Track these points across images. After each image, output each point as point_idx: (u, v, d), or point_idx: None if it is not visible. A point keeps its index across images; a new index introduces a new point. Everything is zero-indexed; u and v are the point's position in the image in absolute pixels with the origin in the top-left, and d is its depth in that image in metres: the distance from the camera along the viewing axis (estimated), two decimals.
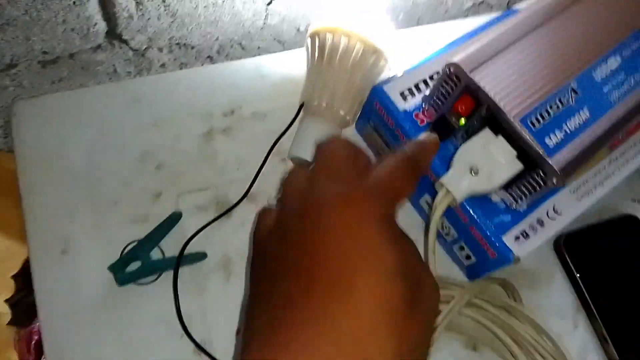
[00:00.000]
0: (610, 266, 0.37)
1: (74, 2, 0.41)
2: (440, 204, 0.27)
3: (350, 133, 0.38)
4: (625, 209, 0.40)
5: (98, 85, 0.38)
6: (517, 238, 0.31)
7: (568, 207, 0.32)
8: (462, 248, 0.33)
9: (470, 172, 0.27)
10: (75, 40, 0.46)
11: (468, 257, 0.33)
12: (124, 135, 0.36)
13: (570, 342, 0.35)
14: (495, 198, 0.31)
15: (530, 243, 0.31)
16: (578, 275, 0.37)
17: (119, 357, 0.30)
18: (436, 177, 0.29)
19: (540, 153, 0.27)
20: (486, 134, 0.28)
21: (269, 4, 0.48)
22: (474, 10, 0.56)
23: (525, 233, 0.31)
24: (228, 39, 0.51)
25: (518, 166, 0.28)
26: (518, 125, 0.27)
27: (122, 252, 0.32)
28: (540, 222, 0.32)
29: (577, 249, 0.37)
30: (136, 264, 0.31)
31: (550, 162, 0.27)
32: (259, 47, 0.51)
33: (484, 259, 0.32)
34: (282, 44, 0.52)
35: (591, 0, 0.32)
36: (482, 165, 0.28)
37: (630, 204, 0.40)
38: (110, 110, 0.37)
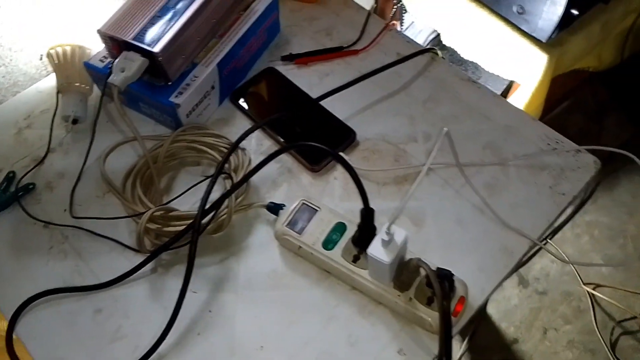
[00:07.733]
0: (263, 97, 0.66)
1: None
2: (114, 90, 0.55)
3: (97, 95, 0.66)
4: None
5: None
6: (176, 95, 0.59)
7: (203, 72, 0.61)
8: (154, 114, 0.62)
9: (122, 71, 0.56)
10: None
11: (163, 118, 0.62)
12: None
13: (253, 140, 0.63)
14: (160, 82, 0.60)
15: (185, 95, 0.59)
16: (246, 108, 0.65)
17: None
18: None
19: (143, 46, 0.56)
20: (126, 52, 0.57)
21: (40, 59, 0.76)
22: None
23: (180, 92, 0.59)
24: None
25: (141, 59, 0.56)
26: (131, 41, 0.56)
27: None
28: (188, 84, 0.60)
29: (243, 96, 0.66)
30: None
31: (149, 48, 0.55)
32: None
33: (167, 113, 0.60)
34: None
35: None
36: (126, 66, 0.56)
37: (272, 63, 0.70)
38: None
